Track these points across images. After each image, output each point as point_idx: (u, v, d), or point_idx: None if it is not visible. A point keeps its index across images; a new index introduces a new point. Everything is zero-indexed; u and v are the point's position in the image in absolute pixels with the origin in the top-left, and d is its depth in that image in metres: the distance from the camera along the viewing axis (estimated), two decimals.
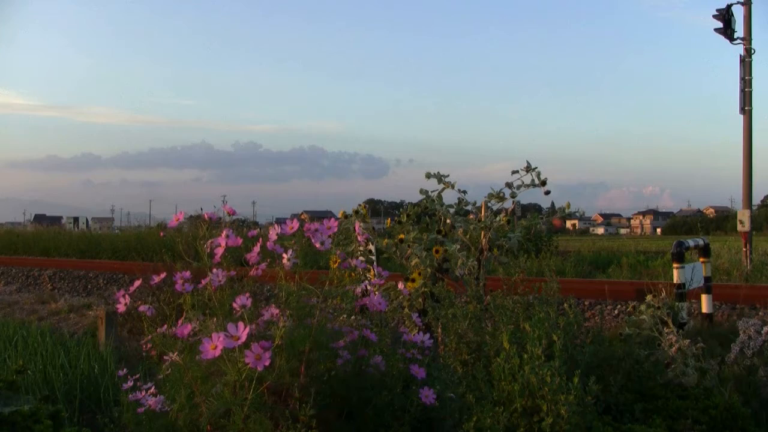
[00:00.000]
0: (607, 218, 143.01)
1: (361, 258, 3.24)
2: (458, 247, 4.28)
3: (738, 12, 14.09)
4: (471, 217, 4.58)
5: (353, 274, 2.95)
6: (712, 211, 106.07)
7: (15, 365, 3.20)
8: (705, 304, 6.13)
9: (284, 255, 2.54)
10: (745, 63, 13.81)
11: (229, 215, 2.87)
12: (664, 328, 4.06)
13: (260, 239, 2.61)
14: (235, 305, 2.36)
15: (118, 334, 6.09)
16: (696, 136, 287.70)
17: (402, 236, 4.37)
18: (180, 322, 2.51)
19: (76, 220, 72.33)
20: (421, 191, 4.54)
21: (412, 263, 4.25)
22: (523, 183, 4.45)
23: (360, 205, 4.56)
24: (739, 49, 13.99)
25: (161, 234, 15.23)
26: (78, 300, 10.95)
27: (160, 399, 2.53)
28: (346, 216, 4.45)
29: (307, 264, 2.57)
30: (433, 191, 4.54)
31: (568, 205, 4.60)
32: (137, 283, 2.75)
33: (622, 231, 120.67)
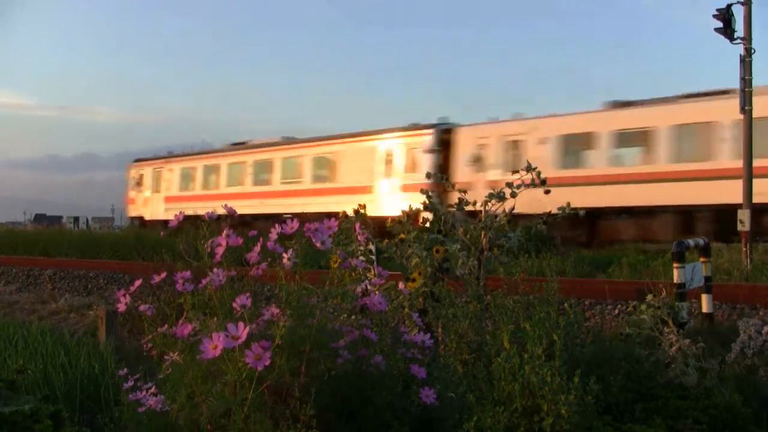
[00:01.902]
0: None
1: (361, 258, 3.24)
2: (458, 246, 4.28)
3: (738, 12, 14.07)
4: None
5: (353, 274, 2.95)
6: None
7: (15, 365, 3.21)
8: (705, 303, 6.12)
9: (284, 255, 2.53)
10: (745, 63, 13.79)
11: (230, 215, 2.87)
12: (665, 328, 4.06)
13: (260, 239, 2.61)
14: (235, 305, 2.36)
15: (118, 333, 6.09)
16: None
17: (402, 236, 4.37)
18: (180, 321, 2.51)
19: (76, 219, 72.20)
20: (422, 191, 4.54)
21: (413, 263, 4.24)
22: (523, 182, 4.45)
23: (360, 204, 4.55)
24: (739, 49, 13.98)
25: (161, 234, 15.22)
26: (78, 300, 10.95)
27: (161, 399, 2.53)
28: (346, 215, 4.44)
29: (307, 264, 2.57)
30: (434, 191, 4.54)
31: (569, 205, 4.60)
32: (137, 282, 2.75)
33: None
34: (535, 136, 20.22)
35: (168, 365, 2.49)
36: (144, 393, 2.58)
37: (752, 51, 13.89)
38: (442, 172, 20.58)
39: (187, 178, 30.42)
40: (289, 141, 27.89)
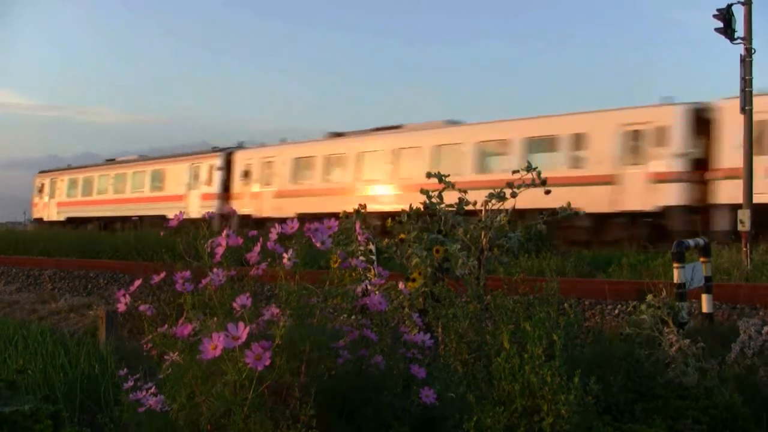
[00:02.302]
0: None
1: (361, 258, 3.24)
2: (459, 246, 4.28)
3: (738, 12, 14.07)
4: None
5: (354, 274, 2.95)
6: None
7: (15, 365, 3.21)
8: (705, 303, 6.12)
9: (284, 255, 2.54)
10: (746, 63, 13.79)
11: (230, 215, 2.87)
12: (665, 328, 4.06)
13: (261, 239, 2.61)
14: (235, 305, 2.36)
15: (118, 333, 6.09)
16: None
17: (402, 236, 4.36)
18: (180, 321, 2.51)
19: None
20: (422, 191, 4.54)
21: (413, 263, 4.24)
22: (523, 182, 4.45)
23: (360, 204, 4.55)
24: (740, 49, 13.97)
25: (161, 234, 15.25)
26: (78, 300, 10.95)
27: (161, 399, 2.53)
28: (346, 215, 4.44)
29: (307, 264, 2.57)
30: (434, 191, 4.53)
31: (569, 205, 4.60)
32: (137, 282, 2.75)
33: None
34: (280, 158, 26.78)
35: (168, 365, 2.49)
36: (144, 393, 2.58)
37: (752, 51, 13.89)
38: (226, 185, 28.40)
39: (72, 187, 37.07)
40: (139, 159, 35.01)
